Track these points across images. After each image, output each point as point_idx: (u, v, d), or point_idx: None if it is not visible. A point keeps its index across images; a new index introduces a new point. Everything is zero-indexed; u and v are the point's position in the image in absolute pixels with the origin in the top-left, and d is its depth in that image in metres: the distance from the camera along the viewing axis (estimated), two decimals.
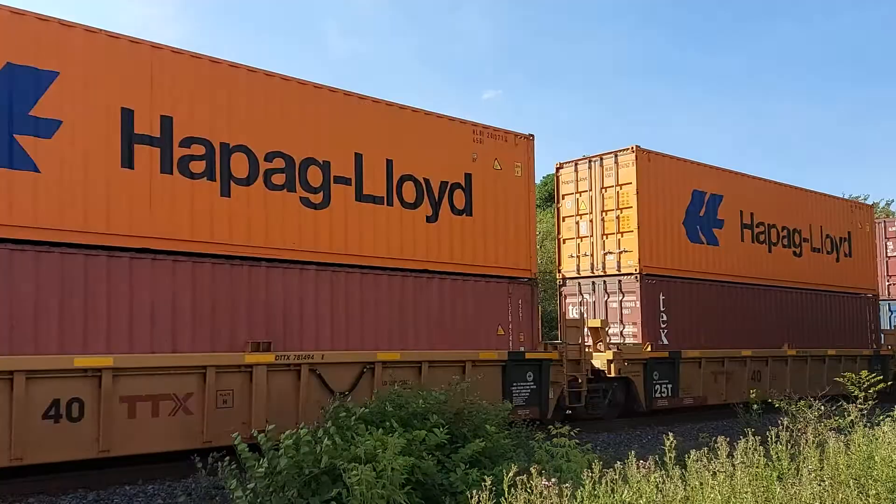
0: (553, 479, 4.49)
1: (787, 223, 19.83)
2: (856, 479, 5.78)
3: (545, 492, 4.32)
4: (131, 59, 9.71)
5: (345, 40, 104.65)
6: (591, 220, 17.22)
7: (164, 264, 9.78)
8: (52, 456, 8.82)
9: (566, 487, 4.44)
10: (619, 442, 13.56)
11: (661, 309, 16.42)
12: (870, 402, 10.79)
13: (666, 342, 16.37)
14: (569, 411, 14.68)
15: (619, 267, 16.53)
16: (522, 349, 13.66)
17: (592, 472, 4.68)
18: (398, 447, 5.65)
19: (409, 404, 7.15)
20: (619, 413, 15.87)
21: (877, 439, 6.75)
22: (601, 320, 15.66)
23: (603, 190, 16.96)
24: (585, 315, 16.73)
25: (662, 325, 16.41)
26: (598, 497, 4.58)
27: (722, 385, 17.33)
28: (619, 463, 5.01)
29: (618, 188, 16.64)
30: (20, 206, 8.75)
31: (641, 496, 4.70)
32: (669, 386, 16.22)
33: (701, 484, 4.98)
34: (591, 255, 17.13)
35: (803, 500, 4.91)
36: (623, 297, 16.45)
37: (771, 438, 6.36)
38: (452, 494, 5.93)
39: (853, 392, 11.97)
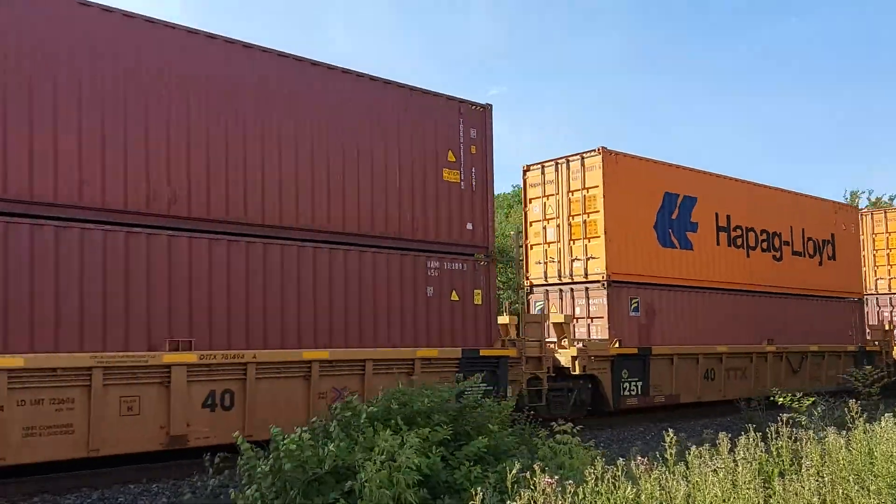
0: (556, 477, 4.52)
1: None
2: (856, 475, 5.81)
3: (548, 489, 4.31)
4: (720, 186, 17.80)
5: (348, 37, 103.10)
6: (863, 256, 25.00)
7: (726, 296, 17.79)
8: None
9: (569, 484, 4.44)
10: (623, 439, 13.88)
11: None
12: None
13: None
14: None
15: (889, 287, 24.41)
16: (861, 345, 21.51)
17: (595, 469, 4.66)
18: (416, 446, 5.79)
19: (412, 402, 7.11)
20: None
21: (877, 435, 6.79)
22: None
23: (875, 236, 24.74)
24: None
25: None
26: (601, 494, 4.59)
27: None
28: (621, 459, 5.02)
29: (874, 235, 24.40)
30: (678, 270, 16.75)
31: (643, 493, 4.71)
32: None
33: (703, 480, 4.96)
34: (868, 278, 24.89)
35: (804, 496, 4.91)
36: (894, 308, 24.29)
37: (771, 435, 6.38)
38: (456, 491, 5.98)
39: None
